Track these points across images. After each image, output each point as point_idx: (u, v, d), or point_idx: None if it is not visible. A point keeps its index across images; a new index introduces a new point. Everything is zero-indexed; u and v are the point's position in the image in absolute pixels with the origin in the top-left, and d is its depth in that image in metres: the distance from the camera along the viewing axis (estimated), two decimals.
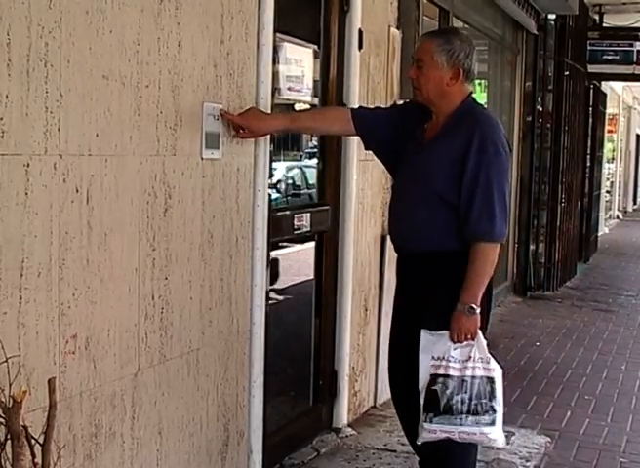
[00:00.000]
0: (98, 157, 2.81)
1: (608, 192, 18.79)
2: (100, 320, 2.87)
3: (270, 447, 4.07)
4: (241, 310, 3.74)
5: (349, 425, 4.99)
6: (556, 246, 10.58)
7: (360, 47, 4.73)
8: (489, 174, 3.36)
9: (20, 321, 2.54)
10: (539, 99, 10.17)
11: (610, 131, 18.67)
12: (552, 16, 10.05)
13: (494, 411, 3.38)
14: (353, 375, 5.07)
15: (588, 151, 13.20)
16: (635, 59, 12.07)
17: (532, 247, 10.28)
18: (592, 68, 11.98)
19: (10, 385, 2.37)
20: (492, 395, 3.38)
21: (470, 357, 3.37)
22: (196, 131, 3.34)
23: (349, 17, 4.68)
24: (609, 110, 17.72)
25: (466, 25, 8.17)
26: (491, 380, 3.39)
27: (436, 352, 3.39)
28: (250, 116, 3.61)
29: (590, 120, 13.27)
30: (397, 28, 5.42)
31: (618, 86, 19.78)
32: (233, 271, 3.66)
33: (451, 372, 3.36)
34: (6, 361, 2.39)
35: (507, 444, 4.04)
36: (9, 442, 2.32)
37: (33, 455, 2.35)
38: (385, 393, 5.49)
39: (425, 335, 3.41)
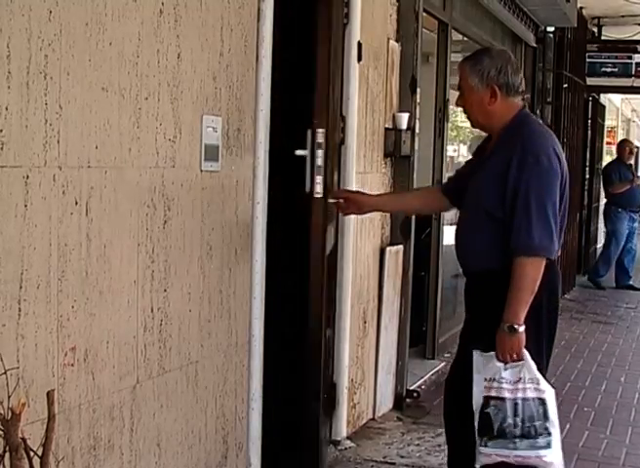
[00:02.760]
0: (97, 169, 2.81)
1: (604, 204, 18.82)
2: (98, 332, 2.87)
3: (269, 459, 4.06)
4: (240, 322, 3.73)
5: (348, 438, 4.97)
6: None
7: (359, 59, 4.74)
8: (529, 186, 3.29)
9: (19, 333, 2.54)
10: (537, 112, 10.16)
11: (609, 143, 18.65)
12: (551, 28, 10.06)
13: (549, 434, 3.31)
14: (352, 388, 5.06)
15: (587, 164, 13.21)
16: (634, 72, 12.08)
17: None
18: (591, 81, 12.00)
19: (9, 397, 2.36)
20: (545, 416, 3.31)
21: (520, 378, 3.31)
22: (195, 143, 3.34)
23: (348, 29, 4.68)
24: (608, 123, 17.73)
25: (465, 38, 8.19)
26: (542, 402, 3.32)
27: (488, 373, 3.34)
28: (356, 194, 3.91)
29: (589, 132, 13.28)
30: (396, 41, 5.43)
31: (616, 98, 19.79)
32: (232, 283, 3.66)
33: (503, 394, 3.31)
34: (5, 373, 2.38)
35: None
36: (7, 454, 2.31)
37: (32, 467, 2.34)
38: (384, 405, 5.49)
39: (477, 356, 3.38)
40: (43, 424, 2.43)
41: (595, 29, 12.71)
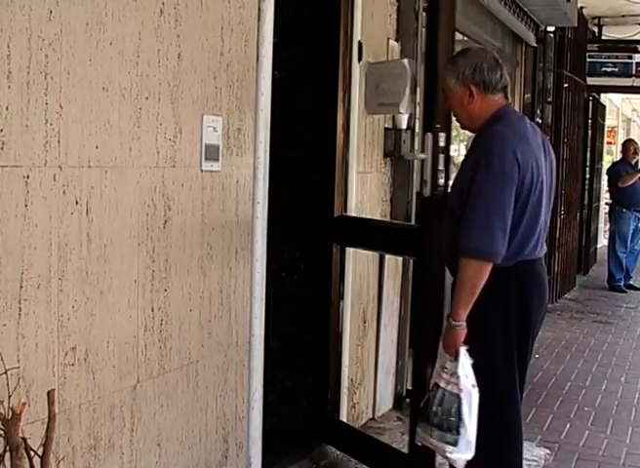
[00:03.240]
0: (97, 169, 2.81)
1: (607, 204, 18.82)
2: (99, 332, 2.87)
3: (269, 459, 4.06)
4: (240, 322, 3.73)
5: None
6: (555, 258, 10.56)
7: (360, 59, 4.74)
8: (478, 188, 3.27)
9: (20, 332, 2.55)
10: (538, 112, 10.17)
11: (609, 143, 18.66)
12: (551, 28, 10.05)
13: (457, 433, 3.35)
14: (352, 387, 5.06)
15: (587, 163, 13.20)
16: (634, 72, 12.07)
17: None
18: (591, 81, 11.99)
19: (9, 397, 2.36)
20: (459, 415, 3.34)
21: (455, 373, 3.37)
22: (196, 143, 3.34)
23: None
24: (608, 122, 17.72)
25: (466, 38, 8.19)
26: (459, 400, 3.35)
27: (441, 361, 3.44)
28: None
29: (589, 132, 13.27)
30: (396, 41, 5.43)
31: (617, 98, 19.79)
32: (233, 283, 3.66)
33: (440, 383, 3.40)
34: (5, 373, 2.39)
35: None
36: (8, 454, 2.31)
37: (32, 467, 2.34)
38: (384, 405, 5.49)
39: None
40: (43, 424, 2.43)
41: (596, 29, 12.70)
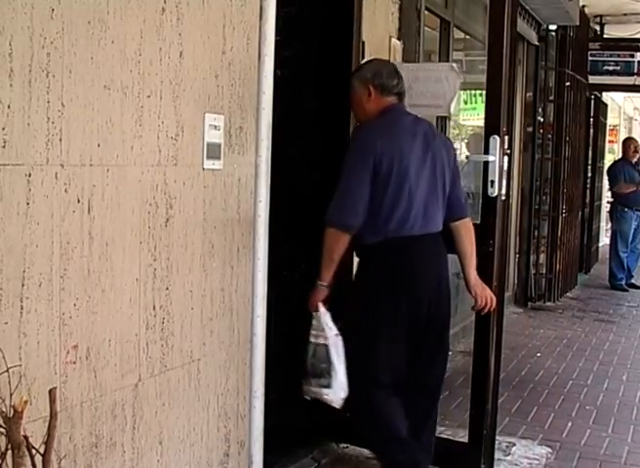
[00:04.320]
0: (99, 167, 2.81)
1: (609, 203, 18.84)
2: (100, 330, 2.87)
3: (271, 457, 4.06)
4: (242, 320, 3.73)
5: None
6: (557, 256, 10.57)
7: (362, 57, 4.74)
8: (343, 169, 3.82)
9: (22, 331, 2.55)
10: (539, 110, 10.18)
11: (611, 141, 18.65)
12: (553, 27, 10.05)
13: (330, 375, 3.80)
14: None
15: (589, 162, 13.20)
16: (636, 70, 12.07)
17: (532, 257, 10.27)
18: (593, 79, 11.98)
19: (11, 395, 2.36)
20: (328, 360, 3.79)
21: (320, 326, 3.85)
22: (197, 141, 3.34)
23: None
24: (610, 121, 17.72)
25: (467, 36, 8.19)
26: (326, 347, 3.81)
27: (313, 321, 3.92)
28: None
29: (591, 131, 13.27)
30: (398, 39, 5.43)
31: (618, 97, 19.78)
32: (234, 281, 3.66)
33: (310, 339, 3.87)
34: (7, 371, 2.39)
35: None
36: (9, 452, 2.32)
37: (34, 465, 2.34)
38: None
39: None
40: (45, 422, 2.43)
41: (598, 27, 12.69)
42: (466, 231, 4.06)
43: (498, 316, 4.36)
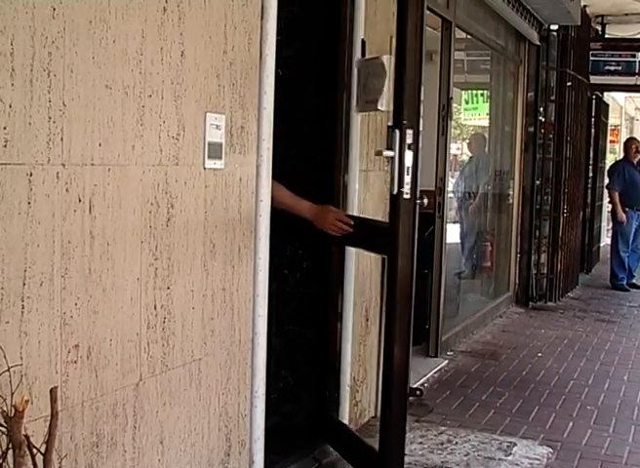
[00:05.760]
0: (100, 166, 2.81)
1: (610, 203, 18.90)
2: (102, 329, 2.87)
3: (272, 457, 4.06)
4: (243, 320, 3.73)
5: None
6: (558, 256, 10.57)
7: (363, 56, 4.74)
8: None
9: (23, 330, 2.55)
10: (541, 110, 10.18)
11: (612, 141, 18.67)
12: (555, 26, 10.05)
13: None
14: (354, 386, 5.06)
15: (590, 162, 13.20)
16: (638, 70, 12.08)
17: (534, 257, 10.27)
18: (595, 79, 11.99)
19: (12, 394, 2.36)
20: None
21: None
22: (199, 141, 3.34)
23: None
24: (611, 121, 17.72)
25: (469, 36, 8.19)
26: None
27: None
28: None
29: (592, 131, 13.27)
30: None
31: (620, 97, 19.79)
32: (235, 281, 3.66)
33: None
34: (8, 370, 2.39)
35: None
36: (10, 451, 2.31)
37: (35, 465, 2.34)
38: None
39: None
40: (46, 421, 2.43)
41: (599, 27, 12.69)
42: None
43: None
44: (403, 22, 3.89)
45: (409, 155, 3.93)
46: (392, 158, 3.92)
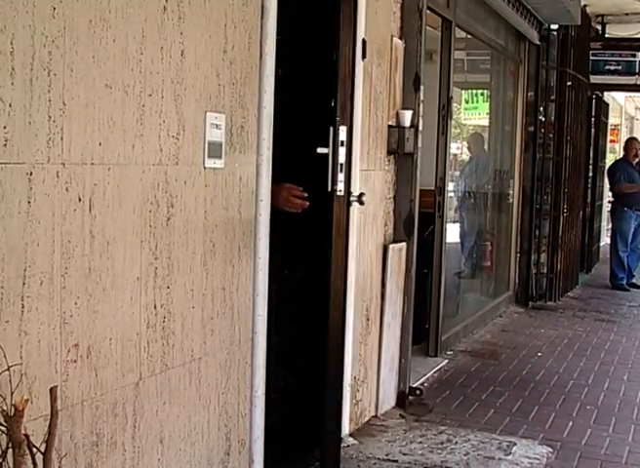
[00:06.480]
0: (100, 166, 2.81)
1: (610, 202, 18.87)
2: (101, 329, 2.87)
3: (271, 456, 4.06)
4: (243, 319, 3.74)
5: (351, 435, 4.98)
6: (558, 256, 10.56)
7: (363, 57, 4.74)
8: None
9: (22, 329, 2.55)
10: (541, 110, 10.17)
11: (612, 141, 18.66)
12: (555, 26, 10.05)
13: None
14: (355, 385, 5.06)
15: (590, 161, 13.20)
16: (638, 70, 12.07)
17: (534, 257, 10.27)
18: (595, 79, 11.98)
19: (11, 394, 2.36)
20: None
21: None
22: (199, 140, 3.34)
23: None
24: (611, 121, 17.72)
25: (469, 36, 8.19)
26: None
27: None
28: None
29: (592, 130, 13.27)
30: (400, 38, 5.43)
31: (620, 96, 19.78)
32: (235, 280, 3.66)
33: None
34: (8, 369, 2.39)
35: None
36: (10, 450, 2.31)
37: (35, 464, 2.34)
38: (387, 403, 5.50)
39: None
40: (46, 421, 2.43)
41: (599, 27, 12.69)
42: None
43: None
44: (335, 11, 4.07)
45: (342, 152, 3.94)
46: (326, 155, 3.96)
